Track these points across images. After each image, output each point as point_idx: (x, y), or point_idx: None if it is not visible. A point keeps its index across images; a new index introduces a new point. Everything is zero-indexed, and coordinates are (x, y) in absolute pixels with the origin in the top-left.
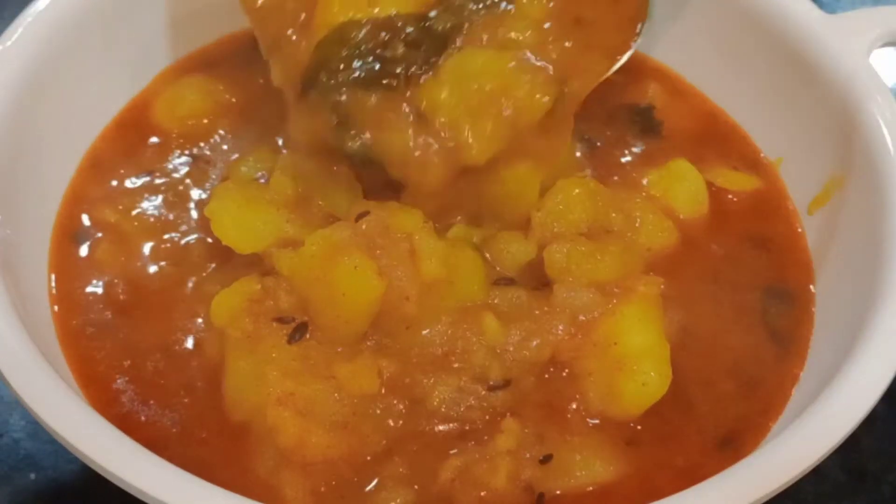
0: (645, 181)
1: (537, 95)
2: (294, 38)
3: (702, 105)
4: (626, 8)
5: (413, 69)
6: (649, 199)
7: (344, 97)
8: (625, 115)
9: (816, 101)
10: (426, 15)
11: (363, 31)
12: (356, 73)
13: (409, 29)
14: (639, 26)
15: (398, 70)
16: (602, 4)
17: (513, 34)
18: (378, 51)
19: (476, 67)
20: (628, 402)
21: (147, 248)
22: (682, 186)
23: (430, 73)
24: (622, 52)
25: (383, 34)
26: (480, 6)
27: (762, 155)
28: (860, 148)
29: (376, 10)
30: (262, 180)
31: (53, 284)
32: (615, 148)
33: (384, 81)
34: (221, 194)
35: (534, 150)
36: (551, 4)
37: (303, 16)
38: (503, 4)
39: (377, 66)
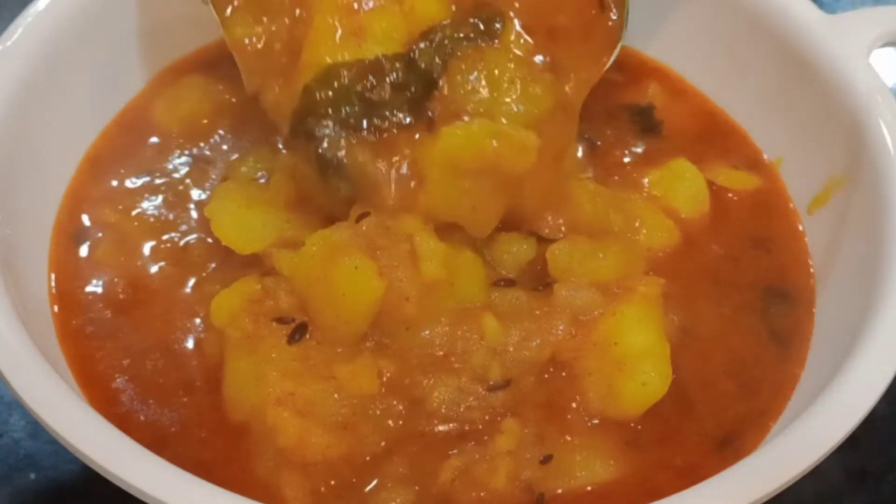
0: (645, 181)
1: (521, 158)
2: (281, 78)
3: (702, 105)
4: (597, 39)
5: (401, 115)
6: (650, 198)
7: (331, 144)
8: (625, 114)
9: (816, 101)
10: (411, 51)
11: (350, 75)
12: (344, 119)
13: (396, 72)
14: (610, 58)
15: (386, 114)
16: (575, 39)
17: (496, 71)
18: (366, 94)
19: (456, 153)
20: (628, 402)
21: (147, 248)
22: (682, 186)
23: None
24: (595, 77)
25: (371, 77)
26: (462, 42)
27: (762, 155)
28: (860, 148)
29: (364, 50)
30: (262, 180)
31: (53, 284)
32: (615, 148)
33: (372, 127)
34: (221, 194)
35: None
36: (528, 42)
37: (284, 60)
38: (485, 41)
39: (365, 112)
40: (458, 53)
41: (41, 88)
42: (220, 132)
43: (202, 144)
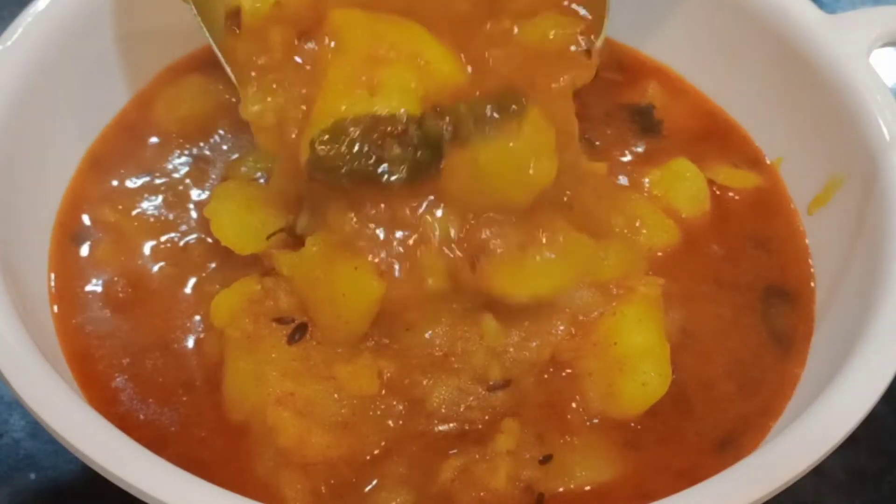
0: (646, 181)
1: None
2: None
3: (702, 104)
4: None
5: (401, 171)
6: (650, 198)
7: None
8: (625, 114)
9: (816, 100)
10: (423, 117)
11: (358, 129)
12: (348, 173)
13: (405, 131)
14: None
15: (394, 169)
16: None
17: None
18: (372, 151)
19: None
20: (628, 402)
21: (147, 247)
22: (683, 185)
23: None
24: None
25: (378, 132)
26: (473, 125)
27: (762, 154)
28: (860, 148)
29: (376, 102)
30: (262, 180)
31: (53, 284)
32: (615, 148)
33: (380, 180)
34: (221, 194)
35: None
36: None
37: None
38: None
39: (372, 166)
40: (465, 136)
41: (41, 88)
42: (220, 132)
43: (202, 144)
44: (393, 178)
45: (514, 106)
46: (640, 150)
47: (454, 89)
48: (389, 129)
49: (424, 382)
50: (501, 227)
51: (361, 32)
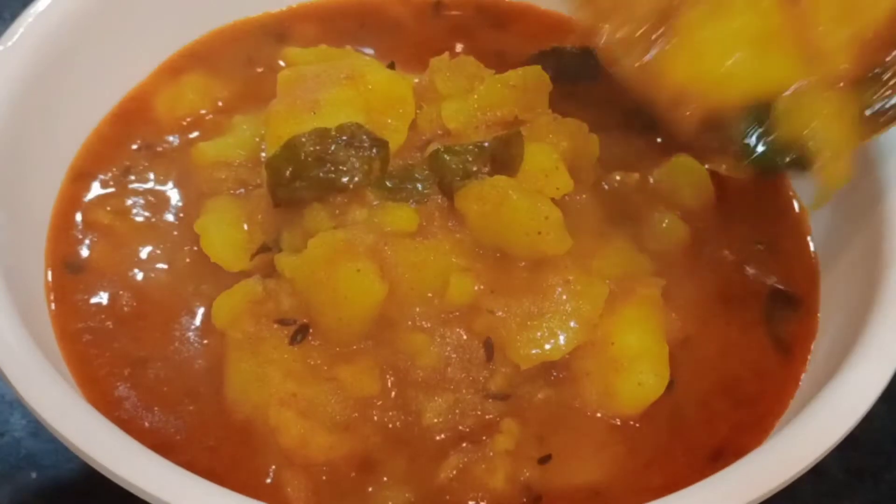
0: (649, 178)
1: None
2: None
3: None
4: None
5: (362, 172)
6: (653, 196)
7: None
8: (626, 109)
9: None
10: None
11: (307, 143)
12: (311, 180)
13: (345, 135)
14: None
15: (355, 170)
16: None
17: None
18: (327, 158)
19: None
20: (625, 402)
21: (146, 248)
22: (686, 181)
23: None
24: None
25: (328, 142)
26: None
27: None
28: (860, 148)
29: (319, 118)
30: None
31: (52, 283)
32: (616, 144)
33: (342, 184)
34: (211, 209)
35: None
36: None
37: None
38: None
39: (331, 172)
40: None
41: (42, 88)
42: (219, 132)
43: (201, 144)
44: (355, 179)
45: (512, 154)
46: (641, 146)
47: (399, 100)
48: (337, 136)
49: (420, 397)
50: (510, 285)
51: (309, 66)
